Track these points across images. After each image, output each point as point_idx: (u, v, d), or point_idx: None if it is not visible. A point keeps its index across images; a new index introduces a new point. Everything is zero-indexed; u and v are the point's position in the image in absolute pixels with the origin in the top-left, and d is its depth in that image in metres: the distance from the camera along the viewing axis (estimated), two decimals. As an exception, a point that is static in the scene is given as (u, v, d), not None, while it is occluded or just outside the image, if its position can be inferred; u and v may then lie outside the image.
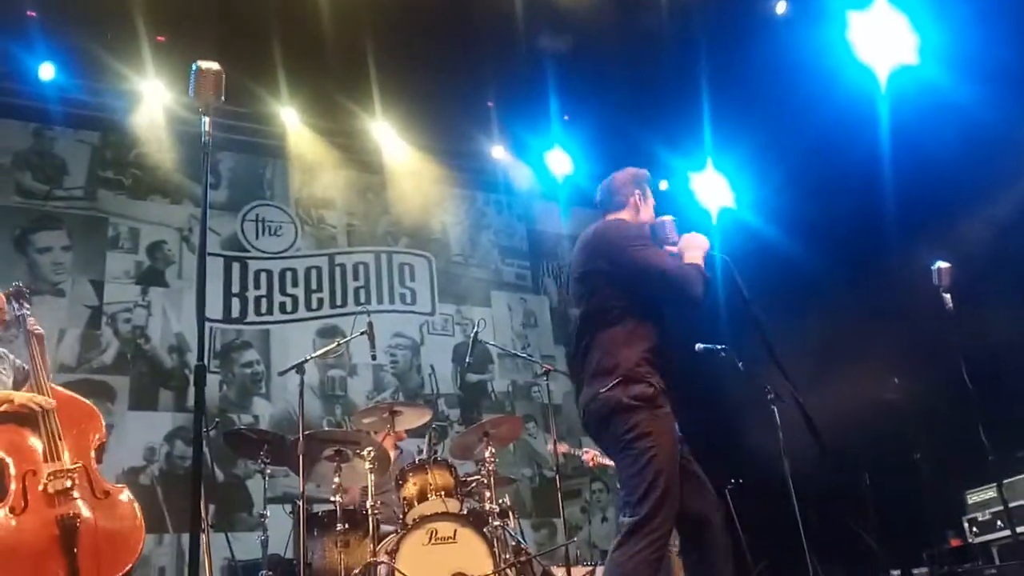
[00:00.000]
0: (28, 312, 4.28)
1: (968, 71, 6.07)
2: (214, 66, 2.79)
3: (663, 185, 9.23)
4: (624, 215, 3.62)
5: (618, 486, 4.28)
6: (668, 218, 3.66)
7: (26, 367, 4.19)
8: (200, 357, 2.58)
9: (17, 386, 4.14)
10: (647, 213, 3.65)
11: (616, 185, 3.70)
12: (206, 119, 2.79)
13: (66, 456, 3.85)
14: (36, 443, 3.84)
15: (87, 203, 7.47)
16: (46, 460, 3.79)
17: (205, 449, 5.65)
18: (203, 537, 4.58)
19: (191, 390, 7.02)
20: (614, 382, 3.21)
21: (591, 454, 5.98)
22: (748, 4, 7.25)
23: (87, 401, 4.25)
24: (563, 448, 6.41)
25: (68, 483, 3.75)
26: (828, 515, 6.15)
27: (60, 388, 4.17)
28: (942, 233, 6.11)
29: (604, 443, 3.39)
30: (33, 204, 7.22)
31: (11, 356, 4.29)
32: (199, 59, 2.94)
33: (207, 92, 2.76)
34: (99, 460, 4.10)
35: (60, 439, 3.87)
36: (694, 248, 3.47)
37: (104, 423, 4.21)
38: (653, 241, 3.51)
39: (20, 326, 4.24)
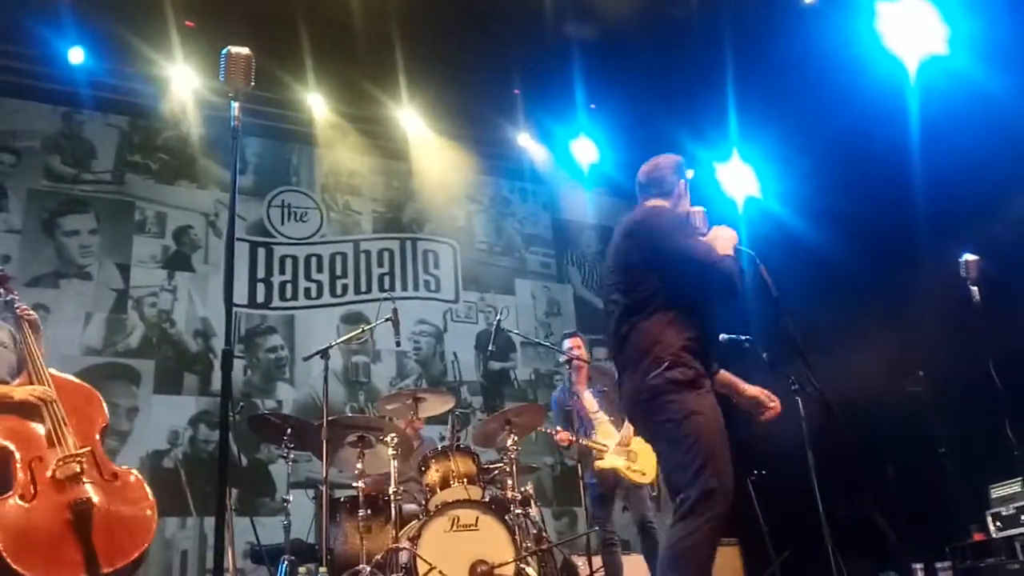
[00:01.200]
0: (16, 297, 4.15)
1: (1000, 61, 5.95)
2: (244, 51, 2.79)
3: (689, 174, 9.15)
4: (668, 203, 3.58)
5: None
6: (699, 209, 3.60)
7: (19, 338, 4.07)
8: (227, 342, 2.59)
9: (17, 363, 4.08)
10: (686, 203, 3.61)
11: (663, 172, 3.64)
12: (236, 104, 2.78)
13: (72, 441, 3.81)
14: (40, 430, 3.78)
15: (115, 187, 7.52)
16: (52, 446, 3.73)
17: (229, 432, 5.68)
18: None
19: (215, 374, 7.16)
20: (655, 369, 3.19)
21: (564, 434, 5.80)
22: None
23: (86, 384, 4.19)
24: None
25: (77, 468, 3.70)
26: (852, 507, 6.10)
27: (58, 373, 4.11)
28: (971, 225, 6.00)
29: (650, 430, 3.36)
30: (61, 187, 7.29)
31: (7, 326, 4.19)
32: (228, 44, 2.94)
33: (237, 77, 2.76)
34: (103, 442, 4.07)
35: (65, 425, 3.84)
36: (723, 240, 3.40)
37: (105, 405, 4.15)
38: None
39: (9, 311, 4.12)
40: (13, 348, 4.08)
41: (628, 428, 5.88)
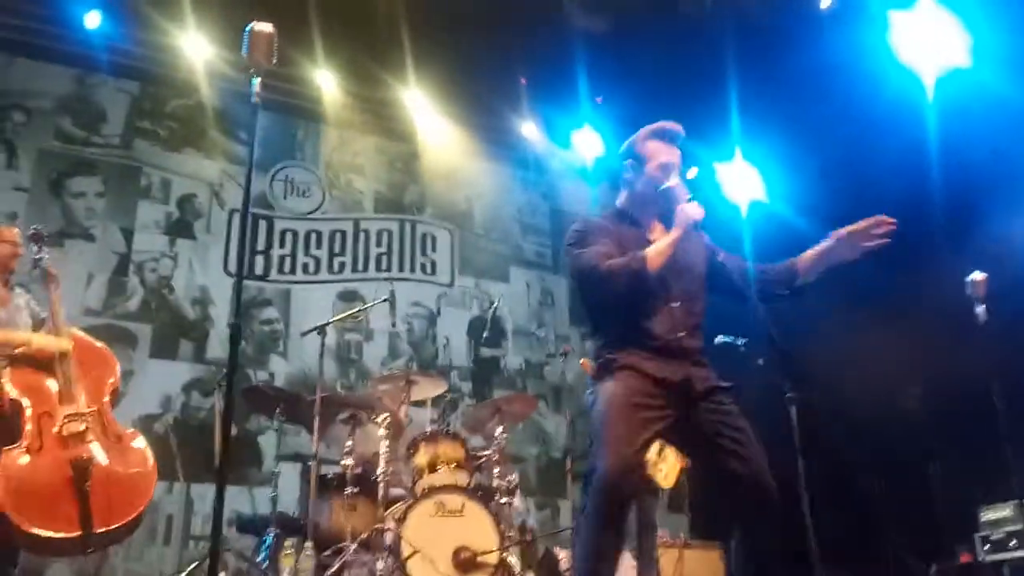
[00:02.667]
0: (46, 256, 4.28)
1: (1024, 73, 5.81)
2: (267, 28, 2.79)
3: (691, 173, 9.16)
4: (621, 198, 3.54)
5: None
6: (674, 182, 3.36)
7: (44, 315, 4.20)
8: (235, 316, 2.61)
9: (34, 331, 4.16)
10: (643, 181, 3.43)
11: (621, 162, 3.55)
12: (256, 80, 2.80)
13: (81, 400, 3.89)
14: (52, 386, 3.89)
15: (123, 151, 7.51)
16: (61, 403, 3.84)
17: (222, 402, 5.73)
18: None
19: (211, 342, 7.22)
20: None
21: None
22: (791, -2, 7.12)
23: (103, 345, 4.27)
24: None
25: (82, 426, 3.80)
26: (840, 520, 6.13)
27: (77, 332, 4.19)
28: (983, 242, 5.85)
29: None
30: (70, 149, 7.27)
31: (33, 303, 4.31)
32: (242, 16, 2.96)
33: (259, 54, 2.77)
34: (113, 405, 4.15)
35: (75, 382, 3.92)
36: (676, 224, 3.25)
37: (119, 368, 4.24)
38: (667, 206, 3.34)
39: (38, 268, 4.26)
40: (28, 312, 4.16)
41: None
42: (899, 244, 6.72)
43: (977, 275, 4.55)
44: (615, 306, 3.26)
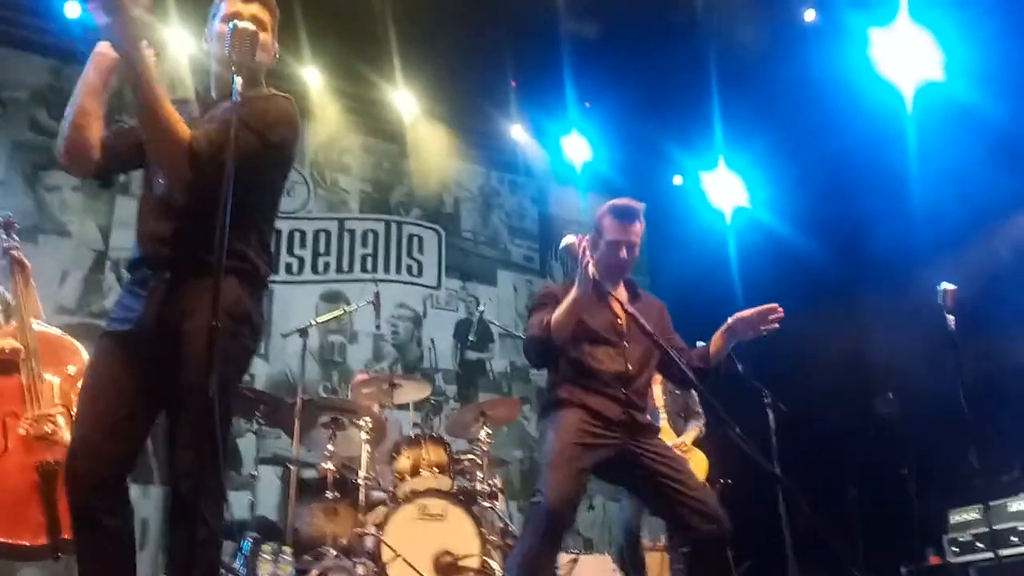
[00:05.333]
0: (16, 244, 4.05)
1: (996, 87, 6.02)
2: (250, 27, 2.74)
3: (677, 180, 9.21)
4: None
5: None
6: (621, 257, 3.69)
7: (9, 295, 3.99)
8: (214, 317, 2.52)
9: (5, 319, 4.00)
10: (600, 253, 3.69)
11: None
12: (238, 79, 2.71)
13: (46, 399, 3.74)
14: (17, 385, 3.69)
15: (102, 146, 7.38)
16: (27, 403, 3.67)
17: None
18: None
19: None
20: None
21: None
22: (776, 9, 7.16)
23: (74, 341, 4.10)
24: None
25: (48, 428, 3.66)
26: (814, 522, 6.18)
27: (45, 327, 4.02)
28: (955, 252, 6.09)
29: None
30: (46, 142, 7.07)
31: (7, 295, 4.14)
32: (226, 13, 2.91)
33: (243, 52, 2.70)
34: None
35: (41, 381, 3.77)
36: (577, 284, 3.45)
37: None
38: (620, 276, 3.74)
39: (6, 257, 4.03)
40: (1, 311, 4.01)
41: (689, 436, 5.81)
42: (877, 253, 6.87)
43: (947, 285, 4.64)
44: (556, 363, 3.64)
